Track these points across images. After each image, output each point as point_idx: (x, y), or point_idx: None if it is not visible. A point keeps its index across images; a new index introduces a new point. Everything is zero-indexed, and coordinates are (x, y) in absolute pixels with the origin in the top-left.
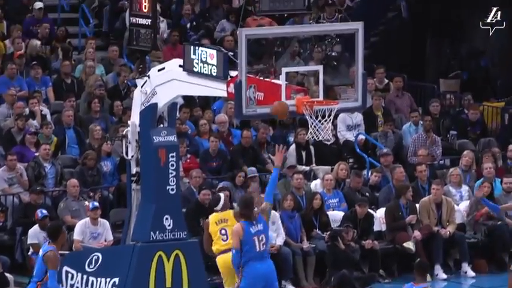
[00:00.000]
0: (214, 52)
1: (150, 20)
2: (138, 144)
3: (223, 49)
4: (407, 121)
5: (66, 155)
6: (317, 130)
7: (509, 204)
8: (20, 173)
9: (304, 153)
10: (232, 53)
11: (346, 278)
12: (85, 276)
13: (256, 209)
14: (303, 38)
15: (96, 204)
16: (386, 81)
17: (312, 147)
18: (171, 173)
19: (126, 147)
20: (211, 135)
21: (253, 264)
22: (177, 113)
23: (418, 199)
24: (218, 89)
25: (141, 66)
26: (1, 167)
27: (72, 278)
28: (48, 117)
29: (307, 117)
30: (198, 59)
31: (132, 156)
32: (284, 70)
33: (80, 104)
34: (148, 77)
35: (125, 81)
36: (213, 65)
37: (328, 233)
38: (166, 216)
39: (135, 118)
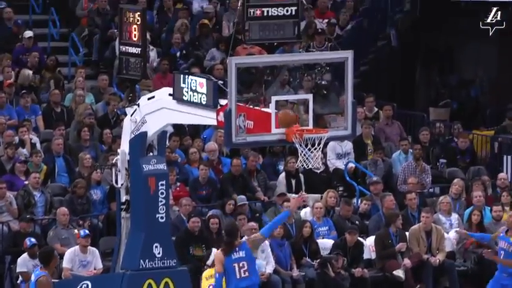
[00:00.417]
0: (204, 81)
1: (139, 49)
2: (128, 173)
3: (213, 78)
4: (397, 149)
5: (55, 183)
6: (307, 158)
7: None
8: (10, 202)
9: (294, 181)
10: (222, 82)
11: None
12: None
13: (246, 237)
14: (293, 67)
15: (87, 231)
16: (376, 109)
17: (301, 176)
18: (161, 201)
19: (116, 176)
20: (201, 164)
21: None
22: (167, 142)
23: (408, 227)
24: (208, 118)
25: (130, 95)
26: None
27: None
28: (38, 145)
29: (297, 146)
30: (187, 88)
31: (122, 185)
32: (274, 98)
33: (70, 133)
34: (138, 106)
35: (115, 110)
36: (202, 93)
37: (318, 260)
38: (155, 244)
39: (124, 146)
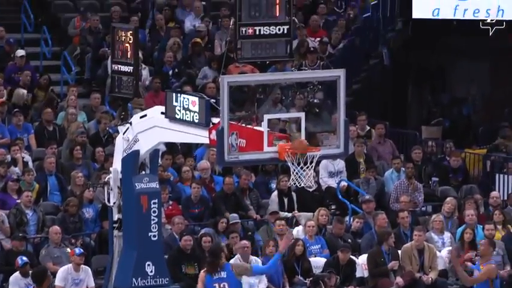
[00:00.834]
0: (196, 99)
1: (132, 67)
2: (120, 191)
3: (205, 96)
4: (389, 168)
5: (48, 201)
6: (299, 177)
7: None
8: (2, 220)
9: (286, 200)
10: (214, 100)
11: None
12: None
13: (232, 261)
14: (285, 85)
15: (82, 250)
16: (368, 128)
17: (294, 194)
18: (153, 220)
19: (108, 194)
20: (194, 182)
21: None
22: (159, 160)
23: (400, 245)
24: (200, 136)
25: (123, 113)
26: None
27: None
28: (30, 164)
29: (289, 164)
30: (180, 106)
31: (114, 203)
32: (266, 117)
33: (62, 151)
34: (131, 124)
35: (106, 128)
36: (195, 111)
37: (311, 279)
38: (148, 262)
39: (117, 165)
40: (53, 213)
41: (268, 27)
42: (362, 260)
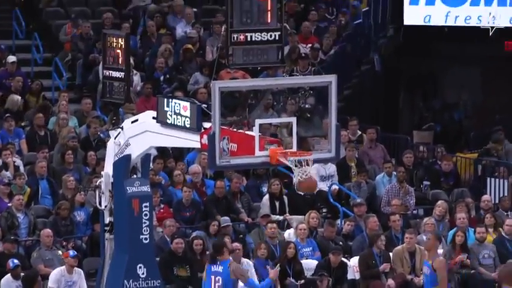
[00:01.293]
0: (187, 104)
1: (123, 73)
2: (112, 195)
3: (196, 101)
4: (380, 172)
5: (39, 205)
6: (300, 171)
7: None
8: None
9: (277, 203)
10: (205, 105)
11: None
12: None
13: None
14: (277, 90)
15: (76, 252)
16: (359, 132)
17: (285, 197)
18: (145, 223)
19: (100, 198)
20: (185, 186)
21: None
22: (151, 164)
23: (392, 248)
24: (192, 141)
25: (114, 118)
26: None
27: None
28: (21, 168)
29: (288, 164)
30: (171, 111)
31: (106, 206)
32: (258, 122)
33: (54, 155)
34: (122, 129)
35: (97, 133)
36: (186, 116)
37: (302, 281)
38: (139, 265)
39: (108, 169)
40: (44, 216)
41: (259, 34)
42: (353, 262)
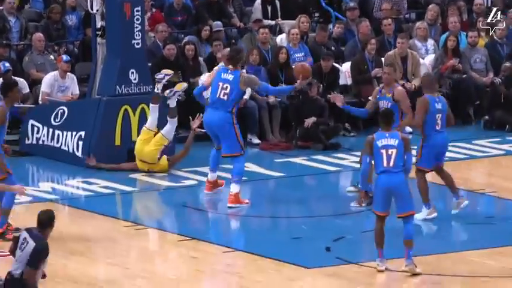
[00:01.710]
0: None
1: None
2: None
3: None
4: None
5: (31, 8)
6: None
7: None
8: None
9: (269, 8)
10: None
11: (311, 130)
12: (51, 130)
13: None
14: None
15: (70, 57)
16: None
17: (277, 1)
18: (136, 27)
19: (91, 1)
20: None
21: (207, 111)
22: None
23: (384, 53)
24: None
25: None
26: None
27: (38, 132)
28: None
29: None
30: None
31: (97, 10)
32: None
33: None
34: None
35: None
36: None
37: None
38: (131, 70)
39: None
40: (35, 20)
41: None
42: (345, 67)
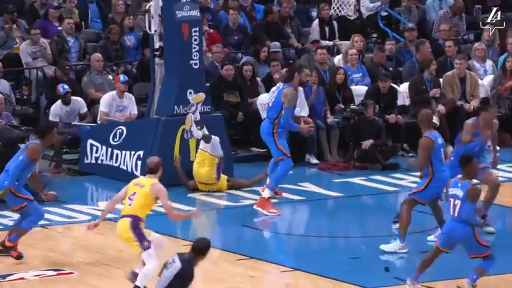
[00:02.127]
0: None
1: None
2: (161, 19)
3: None
4: None
5: (89, 29)
6: (340, 5)
7: None
8: (44, 47)
9: (327, 28)
10: None
11: (369, 151)
12: (110, 149)
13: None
14: None
15: (127, 77)
16: None
17: (334, 22)
18: (194, 48)
19: (149, 22)
20: (231, 8)
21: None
22: None
23: (442, 74)
24: None
25: None
26: (25, 41)
27: (97, 151)
28: None
29: None
30: None
31: (155, 31)
32: None
33: None
34: None
35: None
36: None
37: (344, 114)
38: (189, 90)
39: None
40: (94, 40)
41: None
42: (403, 88)
